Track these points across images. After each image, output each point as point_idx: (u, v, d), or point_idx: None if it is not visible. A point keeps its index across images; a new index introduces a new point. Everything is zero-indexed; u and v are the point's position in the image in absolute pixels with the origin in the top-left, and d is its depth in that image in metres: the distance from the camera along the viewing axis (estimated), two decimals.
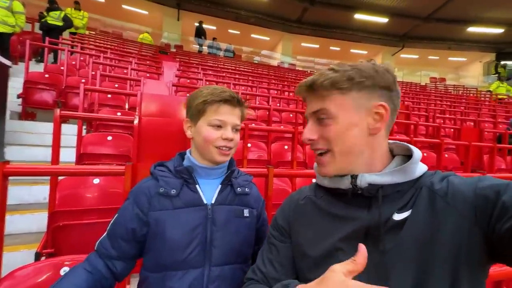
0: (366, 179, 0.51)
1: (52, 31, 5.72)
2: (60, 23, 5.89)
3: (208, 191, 0.78)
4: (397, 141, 0.58)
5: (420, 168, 0.53)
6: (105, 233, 0.76)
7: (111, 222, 0.76)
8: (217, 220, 0.75)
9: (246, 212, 0.79)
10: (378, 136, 0.54)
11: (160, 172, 0.77)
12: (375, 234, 0.49)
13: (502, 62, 13.10)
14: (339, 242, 0.51)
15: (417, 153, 0.53)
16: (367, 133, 0.53)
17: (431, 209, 0.48)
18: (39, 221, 1.99)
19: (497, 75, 12.36)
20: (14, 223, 1.96)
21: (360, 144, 0.53)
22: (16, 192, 2.22)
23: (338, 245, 0.51)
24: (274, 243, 0.62)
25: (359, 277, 0.48)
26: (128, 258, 0.75)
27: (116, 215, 0.76)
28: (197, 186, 0.77)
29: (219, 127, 0.76)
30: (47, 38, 4.99)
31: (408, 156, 0.56)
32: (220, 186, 0.79)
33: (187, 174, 0.76)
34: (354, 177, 0.52)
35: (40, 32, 6.05)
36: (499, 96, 10.00)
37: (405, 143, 0.57)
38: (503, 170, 3.79)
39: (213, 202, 0.76)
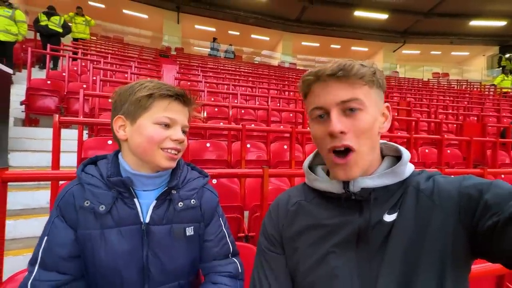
0: (359, 183, 0.51)
1: (52, 37, 5.79)
2: (61, 30, 5.96)
3: (145, 206, 0.65)
4: (386, 142, 0.58)
5: (409, 169, 0.53)
6: (36, 268, 0.60)
7: (41, 251, 0.61)
8: (152, 242, 0.63)
9: (189, 230, 0.67)
10: (379, 136, 0.55)
11: (90, 179, 0.63)
12: (367, 236, 0.50)
13: (507, 55, 12.89)
14: (331, 247, 0.52)
15: (406, 154, 0.54)
16: (377, 132, 0.53)
17: (417, 208, 0.49)
18: (42, 225, 2.01)
19: (501, 68, 12.17)
20: (18, 228, 1.99)
21: (377, 142, 0.54)
22: (21, 198, 2.26)
23: (330, 250, 0.52)
24: (266, 258, 0.60)
25: (351, 278, 0.49)
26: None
27: (46, 238, 0.62)
28: (135, 200, 0.63)
29: (167, 126, 0.64)
30: (48, 45, 5.06)
31: (397, 157, 0.56)
32: (155, 201, 0.65)
33: (123, 187, 0.63)
34: (345, 182, 0.52)
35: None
36: (504, 90, 9.84)
37: (394, 144, 0.57)
38: (507, 164, 3.73)
39: (147, 221, 0.63)
